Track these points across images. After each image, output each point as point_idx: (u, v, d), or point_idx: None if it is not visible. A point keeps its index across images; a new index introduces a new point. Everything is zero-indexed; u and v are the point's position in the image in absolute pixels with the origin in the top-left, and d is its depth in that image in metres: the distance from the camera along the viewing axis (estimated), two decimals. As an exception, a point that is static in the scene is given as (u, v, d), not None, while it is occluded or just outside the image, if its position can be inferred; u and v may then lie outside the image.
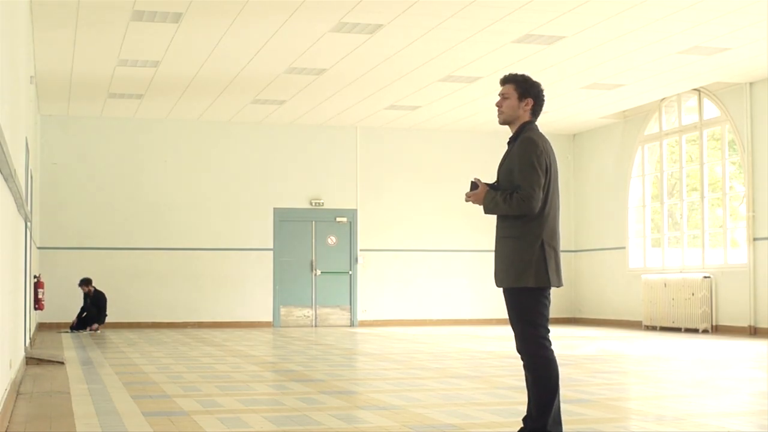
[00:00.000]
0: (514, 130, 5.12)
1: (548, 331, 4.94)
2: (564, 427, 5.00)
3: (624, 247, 18.75)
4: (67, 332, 16.66)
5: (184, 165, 18.72)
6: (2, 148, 4.88)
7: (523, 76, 5.13)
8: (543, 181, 4.91)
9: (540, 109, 5.12)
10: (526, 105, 5.06)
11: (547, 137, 5.11)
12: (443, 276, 19.73)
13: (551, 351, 4.91)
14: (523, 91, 5.07)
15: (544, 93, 5.15)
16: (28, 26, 11.13)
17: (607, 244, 19.29)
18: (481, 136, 19.81)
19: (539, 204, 4.89)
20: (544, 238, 4.92)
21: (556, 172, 5.02)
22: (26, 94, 10.39)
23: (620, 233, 18.88)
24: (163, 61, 13.79)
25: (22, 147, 9.10)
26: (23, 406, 6.71)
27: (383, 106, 17.21)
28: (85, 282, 17.08)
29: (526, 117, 5.07)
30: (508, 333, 16.60)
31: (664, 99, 17.34)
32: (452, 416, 6.14)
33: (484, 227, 19.80)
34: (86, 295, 17.12)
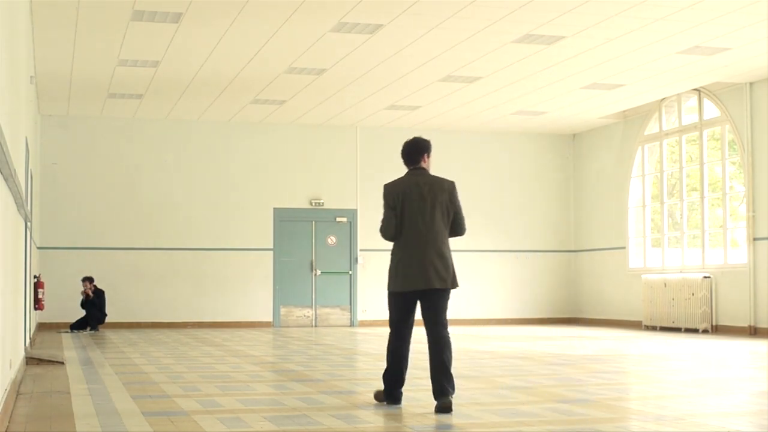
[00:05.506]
0: None
1: (393, 323, 6.67)
2: (564, 427, 5.01)
3: (624, 247, 18.75)
4: (67, 332, 16.67)
5: (184, 165, 18.71)
6: (2, 148, 4.88)
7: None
8: (390, 217, 6.60)
9: (404, 158, 6.84)
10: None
11: (442, 178, 6.75)
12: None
13: (389, 341, 6.68)
14: None
15: (403, 150, 6.83)
16: (28, 26, 11.13)
17: (607, 244, 19.29)
18: (481, 137, 19.82)
19: (387, 234, 6.65)
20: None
21: (416, 200, 6.56)
22: (26, 94, 10.39)
23: (620, 233, 18.88)
24: (163, 61, 13.79)
25: (22, 147, 9.10)
26: (23, 406, 6.71)
27: (383, 106, 17.21)
28: (87, 280, 17.08)
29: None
30: (508, 333, 16.66)
31: (664, 99, 17.34)
32: (452, 416, 6.14)
33: (483, 227, 19.84)
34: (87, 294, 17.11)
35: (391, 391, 6.66)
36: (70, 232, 18.06)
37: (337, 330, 17.62)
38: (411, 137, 6.95)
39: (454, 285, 6.57)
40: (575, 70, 14.42)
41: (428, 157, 6.81)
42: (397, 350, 6.64)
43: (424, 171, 6.76)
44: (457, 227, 6.70)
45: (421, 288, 6.47)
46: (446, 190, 6.65)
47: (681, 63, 13.98)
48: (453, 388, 6.38)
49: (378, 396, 6.77)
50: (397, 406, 6.62)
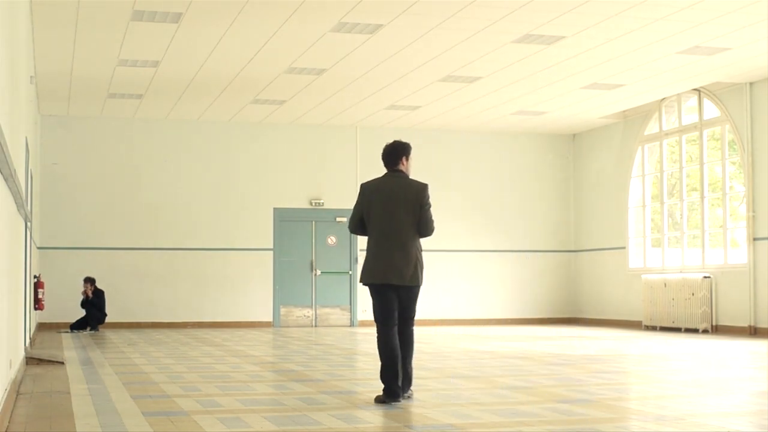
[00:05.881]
0: None
1: (376, 317, 7.02)
2: (564, 427, 5.02)
3: (624, 247, 18.75)
4: (67, 332, 16.66)
5: (184, 165, 18.71)
6: (2, 148, 4.88)
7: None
8: (355, 213, 7.15)
9: (384, 161, 7.14)
10: None
11: (416, 180, 7.06)
12: (442, 276, 19.72)
13: (377, 337, 6.97)
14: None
15: (382, 153, 7.10)
16: (28, 26, 11.13)
17: (607, 244, 19.29)
18: (481, 137, 19.81)
19: (350, 227, 7.33)
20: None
21: (385, 200, 6.95)
22: (26, 94, 10.39)
23: (620, 233, 18.88)
24: (163, 61, 13.79)
25: (22, 147, 9.10)
26: (23, 406, 6.72)
27: (383, 106, 17.21)
28: (88, 281, 17.06)
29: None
30: (508, 333, 16.66)
31: (664, 99, 17.34)
32: (452, 416, 6.14)
33: (483, 227, 19.85)
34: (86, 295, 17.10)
35: (390, 388, 6.75)
36: (70, 232, 18.06)
37: (337, 330, 17.62)
38: (391, 141, 7.28)
39: (413, 282, 6.91)
40: (575, 70, 14.41)
41: (407, 160, 7.13)
42: (385, 343, 6.87)
43: (401, 173, 7.08)
44: (422, 228, 7.00)
45: (379, 282, 6.95)
46: (414, 191, 6.98)
47: (681, 63, 13.98)
48: (409, 383, 6.91)
49: (378, 399, 6.79)
50: (397, 405, 6.62)
